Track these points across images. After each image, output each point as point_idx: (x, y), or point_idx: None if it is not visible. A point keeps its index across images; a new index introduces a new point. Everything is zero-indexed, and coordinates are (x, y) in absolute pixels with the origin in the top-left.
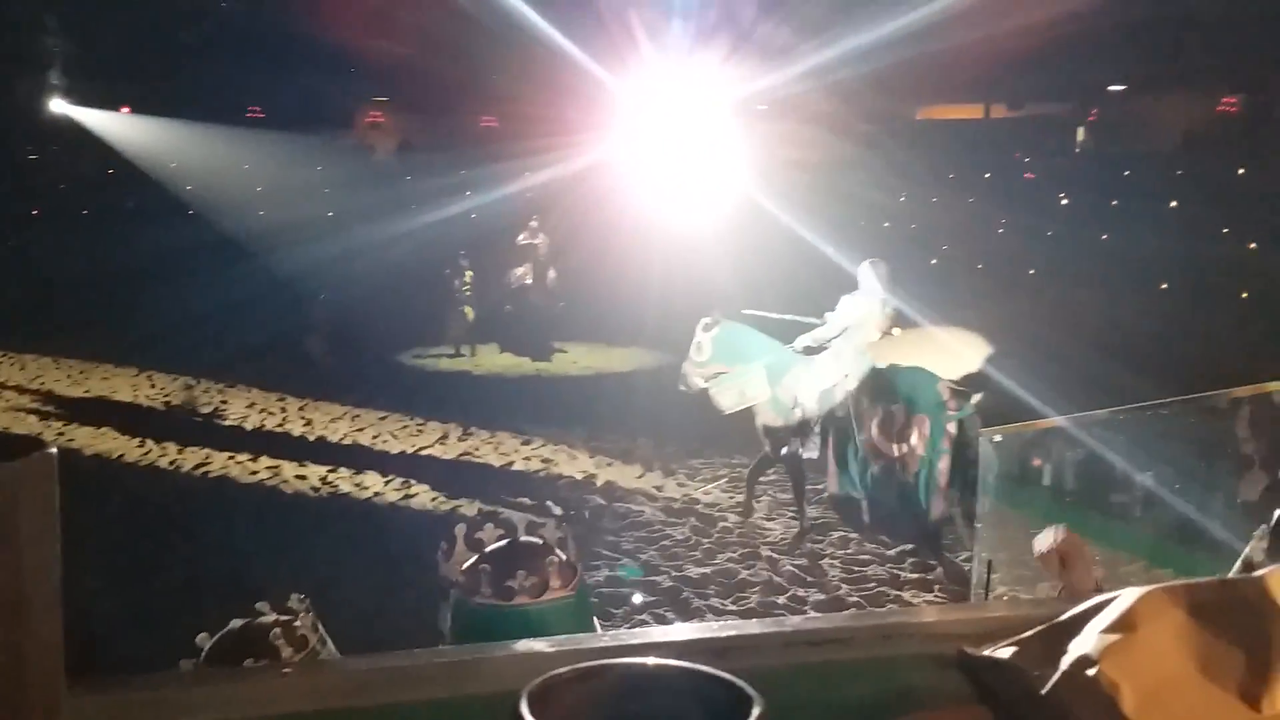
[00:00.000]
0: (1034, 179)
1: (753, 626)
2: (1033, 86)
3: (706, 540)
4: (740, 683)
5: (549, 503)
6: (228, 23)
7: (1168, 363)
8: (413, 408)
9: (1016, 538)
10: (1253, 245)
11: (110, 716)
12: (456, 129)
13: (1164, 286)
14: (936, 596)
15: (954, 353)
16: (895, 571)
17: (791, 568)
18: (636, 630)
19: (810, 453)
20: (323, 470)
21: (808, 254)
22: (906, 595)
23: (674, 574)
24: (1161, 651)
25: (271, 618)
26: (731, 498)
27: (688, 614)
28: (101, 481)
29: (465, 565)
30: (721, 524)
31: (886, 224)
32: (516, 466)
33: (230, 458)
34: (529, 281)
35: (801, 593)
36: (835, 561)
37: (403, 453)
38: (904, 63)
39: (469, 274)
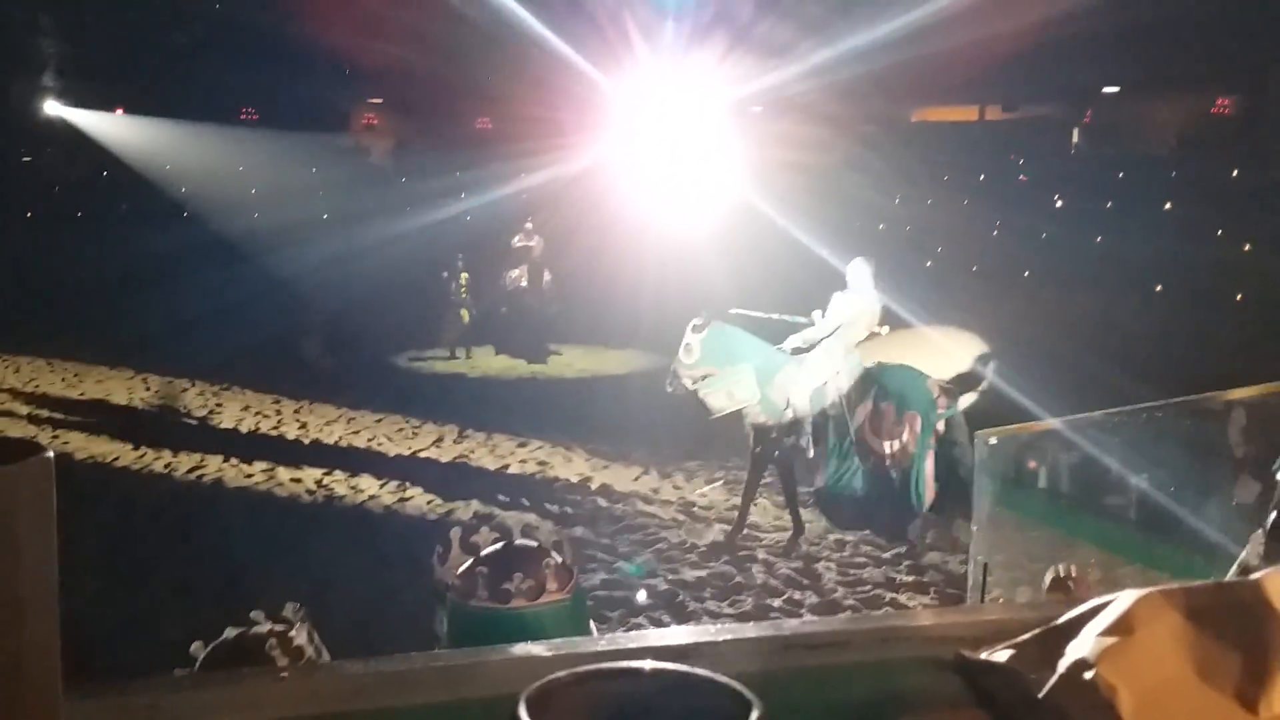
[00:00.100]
0: (1029, 181)
1: (750, 630)
2: (1027, 88)
3: (702, 543)
4: (738, 686)
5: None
6: (222, 23)
7: (1163, 364)
8: (408, 410)
9: (1012, 540)
10: (1247, 247)
11: None
12: (452, 131)
13: (1159, 288)
14: (933, 599)
15: (943, 352)
16: (891, 574)
17: (787, 570)
18: (634, 634)
19: (808, 452)
20: (318, 473)
21: (803, 256)
22: (902, 598)
23: (670, 577)
24: (1159, 655)
25: (266, 627)
26: (728, 500)
27: (683, 617)
28: (96, 484)
29: (461, 569)
30: (718, 526)
31: (882, 226)
32: (512, 469)
33: (225, 460)
34: (524, 284)
35: (798, 595)
36: (831, 564)
37: (398, 455)
38: (899, 64)
39: (465, 276)
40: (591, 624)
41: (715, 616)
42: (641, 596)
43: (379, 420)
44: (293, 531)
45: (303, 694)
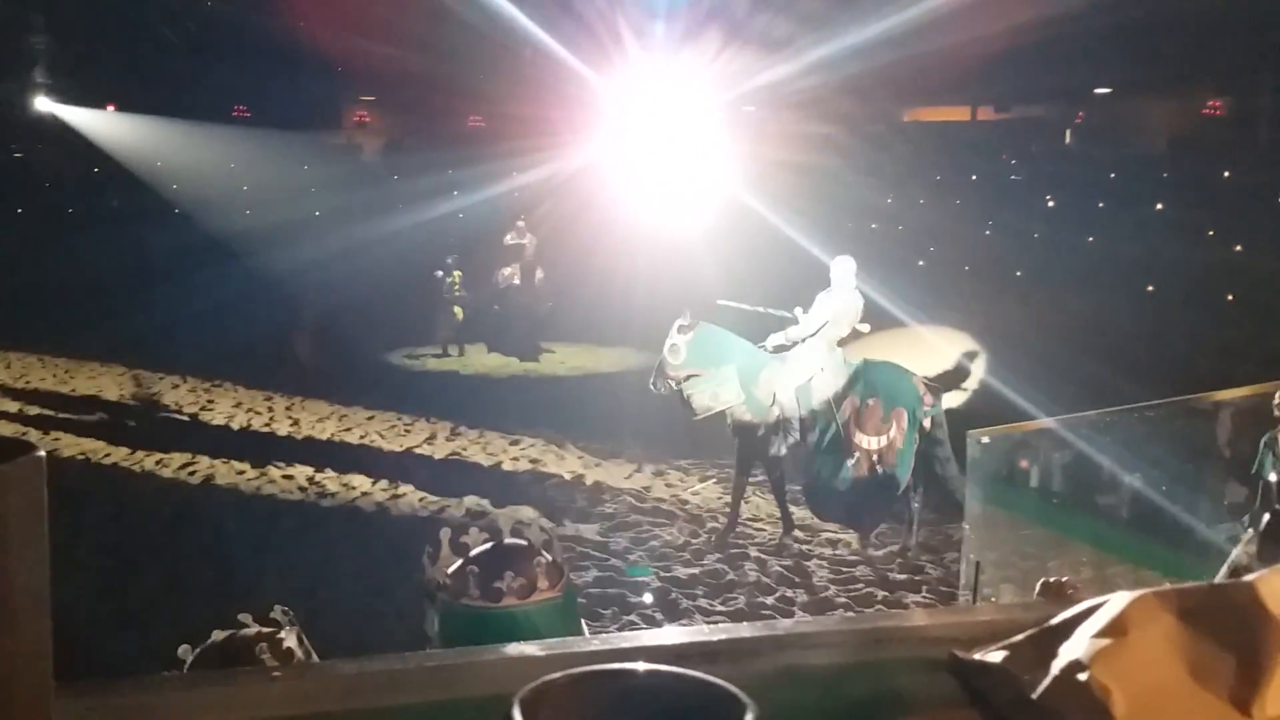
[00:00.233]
0: (1020, 181)
1: (744, 630)
2: (1019, 89)
3: (695, 541)
4: (732, 688)
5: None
6: (214, 21)
7: (1154, 364)
8: (400, 408)
9: (1005, 539)
10: (1238, 247)
11: None
12: (444, 129)
13: (1150, 288)
14: (925, 598)
15: (930, 349)
16: (883, 572)
17: (779, 568)
18: (628, 634)
19: (794, 446)
20: (310, 470)
21: (795, 255)
22: (895, 596)
23: (662, 575)
24: (1152, 656)
25: (254, 630)
26: (720, 498)
27: (676, 615)
28: (87, 482)
29: (452, 569)
30: (710, 524)
31: (874, 225)
32: (505, 467)
33: (216, 458)
34: (517, 281)
35: (790, 593)
36: (823, 562)
37: (390, 453)
38: (892, 65)
39: (457, 274)
40: (583, 622)
41: (707, 614)
42: (634, 595)
43: (371, 417)
44: (284, 529)
45: (294, 694)
